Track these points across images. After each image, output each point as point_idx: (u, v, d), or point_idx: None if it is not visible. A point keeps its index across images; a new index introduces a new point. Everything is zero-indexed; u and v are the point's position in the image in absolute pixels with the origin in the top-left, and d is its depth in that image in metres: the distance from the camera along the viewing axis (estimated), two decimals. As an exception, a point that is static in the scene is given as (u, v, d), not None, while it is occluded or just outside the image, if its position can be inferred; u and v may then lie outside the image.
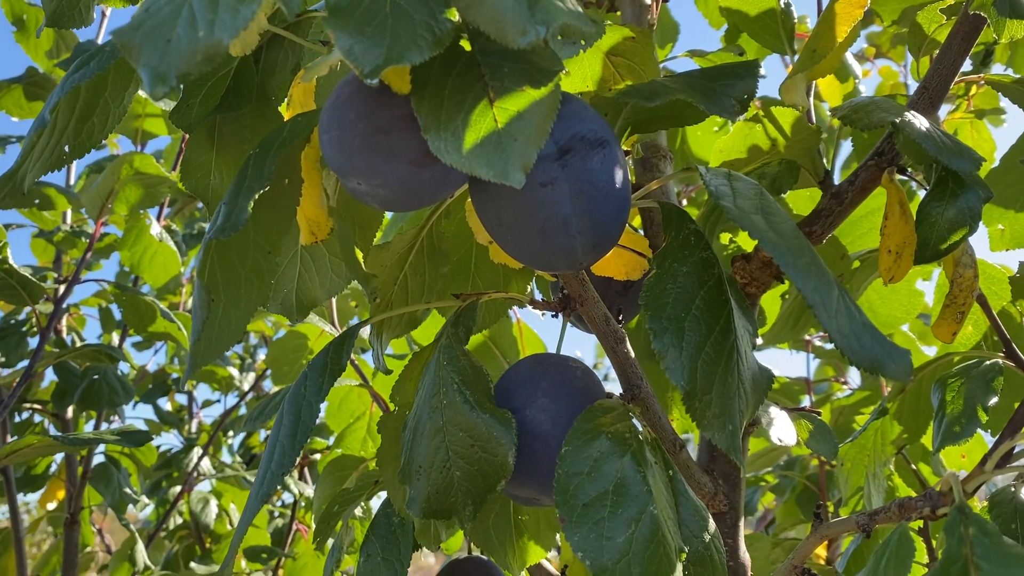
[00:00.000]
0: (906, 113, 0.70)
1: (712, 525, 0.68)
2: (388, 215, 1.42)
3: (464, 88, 0.53)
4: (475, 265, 0.90)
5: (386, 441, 0.78)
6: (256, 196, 0.60)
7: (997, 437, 0.70)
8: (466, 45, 0.56)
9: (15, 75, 1.64)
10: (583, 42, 0.56)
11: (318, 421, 2.75)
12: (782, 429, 0.77)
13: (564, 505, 0.59)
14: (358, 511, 1.19)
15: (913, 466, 1.04)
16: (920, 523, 0.67)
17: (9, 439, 1.86)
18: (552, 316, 0.79)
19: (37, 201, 1.51)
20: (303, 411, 0.70)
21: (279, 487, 2.31)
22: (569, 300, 0.76)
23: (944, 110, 1.47)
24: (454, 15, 0.53)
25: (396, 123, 0.57)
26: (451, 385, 0.67)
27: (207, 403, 3.07)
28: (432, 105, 0.53)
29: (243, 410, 2.70)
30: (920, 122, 0.69)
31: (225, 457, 3.01)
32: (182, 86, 0.71)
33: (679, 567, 0.58)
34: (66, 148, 0.67)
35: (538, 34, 0.47)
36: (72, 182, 2.01)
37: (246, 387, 2.71)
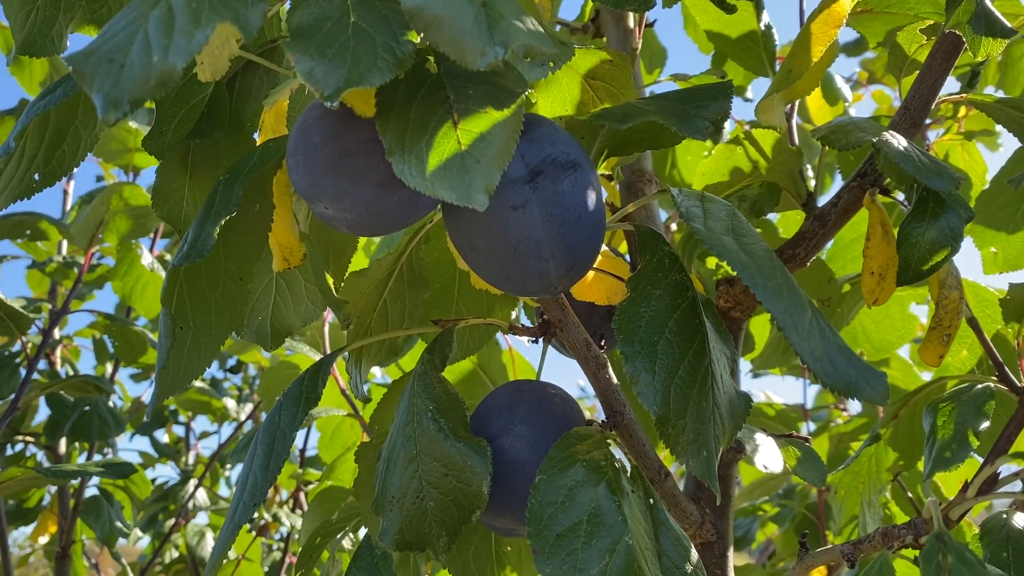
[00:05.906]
0: (884, 133, 0.69)
1: (695, 555, 0.66)
2: (376, 241, 1.41)
3: (429, 110, 0.53)
4: (458, 291, 0.89)
5: (363, 471, 0.77)
6: (224, 222, 0.59)
7: (982, 462, 0.68)
8: (432, 67, 0.56)
9: (9, 106, 1.65)
10: (551, 64, 0.55)
11: (312, 452, 2.72)
12: (768, 456, 0.75)
13: (537, 535, 0.57)
14: (347, 543, 1.17)
15: (909, 494, 1.01)
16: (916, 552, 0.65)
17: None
18: (531, 342, 0.77)
19: (28, 232, 1.51)
20: (276, 441, 0.68)
21: (274, 520, 2.28)
22: (549, 325, 0.74)
23: (936, 133, 1.46)
24: (415, 37, 0.53)
25: (362, 146, 0.56)
26: (425, 413, 0.65)
27: (204, 434, 3.05)
28: (397, 127, 0.53)
29: (241, 441, 2.67)
30: (898, 142, 0.68)
31: (223, 489, 2.98)
32: (155, 112, 0.70)
33: (654, 599, 0.56)
34: (36, 176, 0.66)
35: (497, 55, 0.47)
36: (66, 212, 2.01)
37: (243, 417, 2.69)
